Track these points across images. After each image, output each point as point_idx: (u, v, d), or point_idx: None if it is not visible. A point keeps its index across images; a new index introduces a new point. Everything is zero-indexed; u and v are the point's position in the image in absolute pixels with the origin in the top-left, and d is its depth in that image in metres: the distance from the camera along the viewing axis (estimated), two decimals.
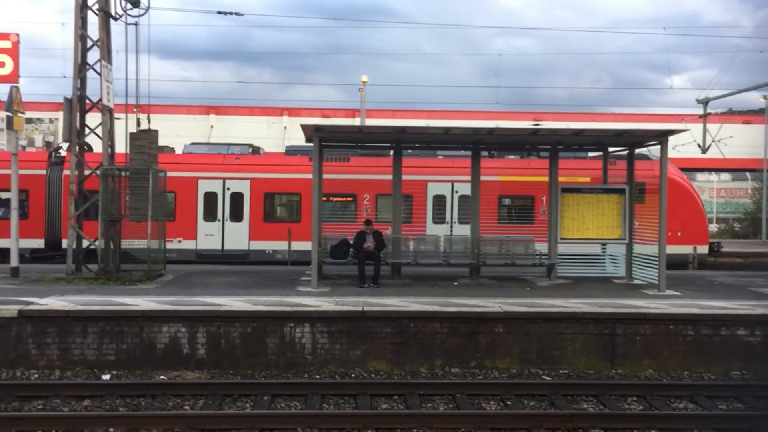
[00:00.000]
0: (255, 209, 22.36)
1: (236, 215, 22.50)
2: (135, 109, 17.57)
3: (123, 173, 16.02)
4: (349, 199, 22.42)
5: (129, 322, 11.70)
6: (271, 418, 9.22)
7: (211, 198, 22.52)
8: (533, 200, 22.19)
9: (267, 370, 11.70)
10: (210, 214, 22.49)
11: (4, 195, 21.17)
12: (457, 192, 22.62)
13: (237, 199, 22.49)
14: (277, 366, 11.77)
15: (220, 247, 22.43)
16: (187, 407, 9.93)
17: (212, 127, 42.31)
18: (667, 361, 12.08)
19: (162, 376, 11.40)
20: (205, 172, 22.35)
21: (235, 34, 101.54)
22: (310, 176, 20.54)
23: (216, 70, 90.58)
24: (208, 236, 22.48)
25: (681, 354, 12.12)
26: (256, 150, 24.52)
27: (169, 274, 16.63)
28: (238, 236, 22.35)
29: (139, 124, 17.12)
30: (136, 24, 16.68)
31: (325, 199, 21.45)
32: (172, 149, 24.76)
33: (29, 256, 21.62)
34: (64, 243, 20.80)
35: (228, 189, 22.44)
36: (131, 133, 16.33)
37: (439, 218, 22.59)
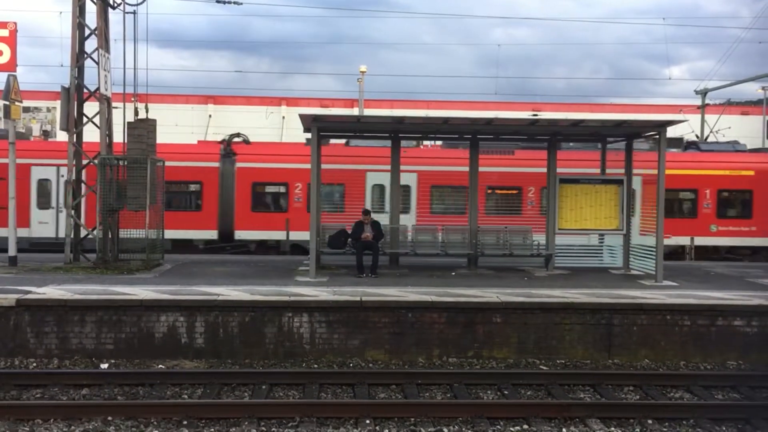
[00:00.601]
0: (422, 202, 22.28)
1: (402, 207, 22.46)
2: (133, 98, 17.53)
3: (121, 162, 16.00)
4: (514, 191, 22.26)
5: (127, 311, 11.71)
6: (269, 407, 9.25)
7: (379, 190, 22.50)
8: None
9: (265, 360, 11.73)
10: (378, 206, 22.18)
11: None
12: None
13: (404, 191, 22.41)
14: (275, 355, 11.81)
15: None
16: (186, 396, 9.97)
17: (210, 116, 42.19)
18: (663, 351, 12.13)
19: (160, 365, 11.43)
20: (373, 164, 21.85)
21: (234, 23, 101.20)
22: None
23: (214, 60, 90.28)
24: None
25: (678, 344, 12.17)
26: (419, 143, 24.41)
27: (168, 263, 16.64)
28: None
29: (137, 113, 17.09)
30: (134, 13, 16.63)
31: (489, 191, 21.29)
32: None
33: (203, 247, 22.00)
34: (237, 235, 21.73)
35: None
36: (129, 123, 16.31)
37: None
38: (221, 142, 23.53)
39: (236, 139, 23.58)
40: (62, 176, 21.02)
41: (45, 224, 21.91)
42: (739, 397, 10.35)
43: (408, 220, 21.15)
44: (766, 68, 50.10)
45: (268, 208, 22.60)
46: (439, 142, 22.49)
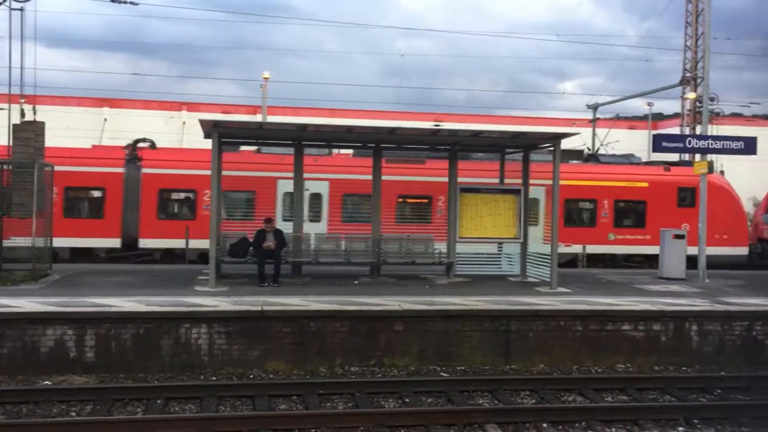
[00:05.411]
0: (333, 210, 21.92)
1: (314, 216, 21.89)
2: (21, 100, 16.63)
3: (5, 167, 15.08)
4: (425, 201, 22.29)
5: (10, 325, 11.02)
6: (163, 422, 8.90)
7: (290, 198, 21.86)
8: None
9: (161, 373, 11.32)
10: (289, 214, 21.61)
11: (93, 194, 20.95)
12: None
13: (315, 199, 21.75)
14: (171, 368, 11.41)
15: None
16: (74, 413, 9.46)
17: (105, 120, 40.60)
18: (557, 355, 12.54)
19: (46, 381, 10.81)
20: (284, 172, 20.83)
21: (130, 24, 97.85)
22: None
23: (109, 61, 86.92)
24: None
25: (571, 349, 12.61)
26: (329, 152, 23.47)
27: (56, 273, 15.78)
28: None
29: (23, 115, 16.22)
30: (21, 9, 15.82)
31: (400, 200, 21.72)
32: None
33: (105, 256, 20.79)
34: (141, 243, 20.81)
35: None
36: (15, 125, 15.45)
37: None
38: (126, 147, 22.64)
39: (141, 144, 22.74)
40: None
41: None
42: (627, 399, 10.82)
43: (320, 228, 21.05)
44: (652, 85, 53.16)
45: (175, 216, 21.84)
46: (350, 151, 22.56)
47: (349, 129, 15.57)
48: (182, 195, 21.87)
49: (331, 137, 17.45)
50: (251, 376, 11.40)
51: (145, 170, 21.36)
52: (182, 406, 9.87)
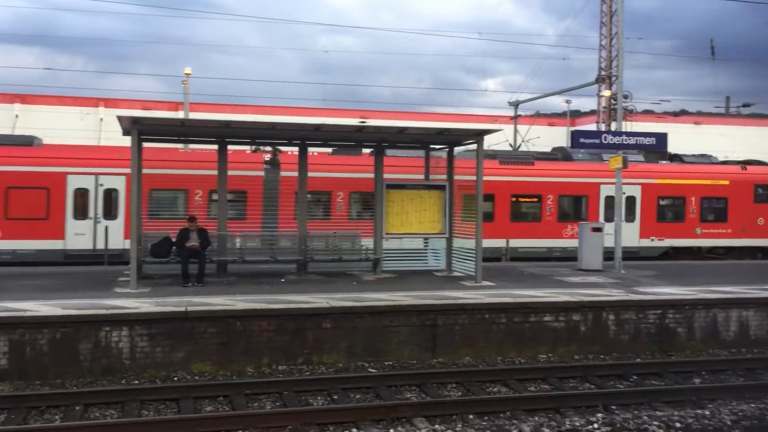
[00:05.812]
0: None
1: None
2: None
3: None
4: (534, 200, 23.99)
5: None
6: (83, 429, 8.62)
7: None
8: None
9: (80, 379, 10.94)
10: None
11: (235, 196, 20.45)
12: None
13: None
14: (91, 373, 11.05)
15: None
16: None
17: (17, 116, 38.89)
18: (482, 348, 12.79)
19: None
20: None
21: (42, 17, 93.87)
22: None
23: (20, 55, 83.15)
24: None
25: (495, 341, 12.88)
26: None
27: None
28: None
29: None
30: None
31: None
32: None
33: None
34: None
35: None
36: None
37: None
38: (263, 151, 22.26)
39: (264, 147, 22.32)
40: (101, 185, 20.58)
41: (82, 235, 20.66)
42: (549, 387, 11.14)
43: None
44: (570, 83, 54.75)
45: (311, 216, 21.01)
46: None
47: (273, 126, 15.43)
48: (315, 197, 21.70)
49: (254, 134, 17.24)
50: (176, 379, 11.15)
51: (283, 173, 21.08)
52: (103, 411, 9.57)
